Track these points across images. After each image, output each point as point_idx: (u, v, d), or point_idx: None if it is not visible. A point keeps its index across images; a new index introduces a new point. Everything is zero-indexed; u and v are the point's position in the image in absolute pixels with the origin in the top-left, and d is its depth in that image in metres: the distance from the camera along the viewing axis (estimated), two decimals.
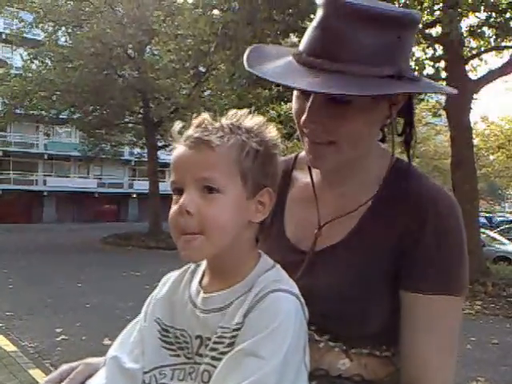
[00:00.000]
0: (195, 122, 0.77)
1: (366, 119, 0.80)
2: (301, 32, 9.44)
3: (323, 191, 0.92)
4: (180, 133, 0.77)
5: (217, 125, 0.76)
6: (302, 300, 0.73)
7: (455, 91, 0.84)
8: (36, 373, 4.31)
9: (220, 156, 0.72)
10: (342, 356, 0.83)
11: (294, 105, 0.86)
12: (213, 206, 0.71)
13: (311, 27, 0.80)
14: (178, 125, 0.78)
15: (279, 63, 0.81)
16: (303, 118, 0.82)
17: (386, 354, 0.85)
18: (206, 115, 0.78)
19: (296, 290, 0.74)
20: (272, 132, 0.79)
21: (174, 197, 0.75)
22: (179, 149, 0.75)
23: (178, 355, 0.78)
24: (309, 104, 0.80)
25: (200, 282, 0.81)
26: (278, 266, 0.79)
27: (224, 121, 0.77)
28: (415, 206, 0.82)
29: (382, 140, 0.93)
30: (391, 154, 0.86)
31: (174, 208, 0.73)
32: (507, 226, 21.01)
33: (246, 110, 0.79)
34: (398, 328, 0.83)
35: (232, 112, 0.79)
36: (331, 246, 0.87)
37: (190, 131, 0.75)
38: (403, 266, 0.81)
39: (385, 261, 0.82)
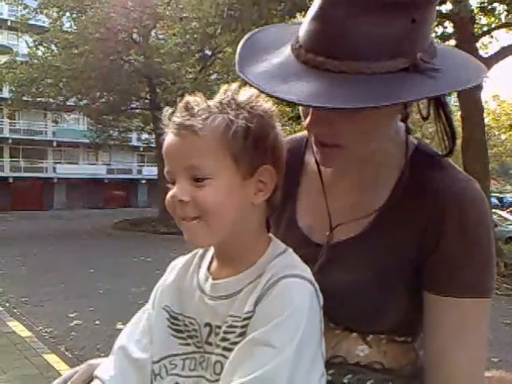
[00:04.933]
0: (181, 105, 0.72)
1: (379, 116, 0.71)
2: (307, 11, 9.28)
3: (339, 179, 0.86)
4: (170, 118, 0.73)
5: (203, 105, 0.71)
6: (317, 285, 0.70)
7: (482, 77, 0.71)
8: (51, 357, 4.37)
9: (205, 140, 0.68)
10: (359, 342, 0.79)
11: None
12: (205, 191, 0.69)
13: (309, 17, 0.69)
14: (167, 110, 0.74)
15: (276, 60, 0.72)
16: (307, 120, 0.74)
17: (406, 339, 0.81)
18: (190, 97, 0.73)
19: (309, 274, 0.71)
20: (265, 103, 0.73)
21: (170, 186, 0.72)
22: (168, 136, 0.72)
23: (188, 344, 0.76)
24: (311, 108, 0.72)
25: (208, 267, 0.79)
26: (290, 250, 0.76)
27: (214, 100, 0.72)
28: (438, 200, 0.75)
29: (408, 132, 0.83)
30: (414, 142, 0.80)
31: (168, 196, 0.71)
32: None
33: (237, 84, 0.73)
34: (415, 322, 0.79)
35: (224, 87, 0.74)
36: (347, 239, 0.81)
37: (176, 116, 0.72)
38: (426, 265, 0.76)
39: (404, 258, 0.77)
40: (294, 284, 0.68)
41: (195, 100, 0.72)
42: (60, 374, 3.97)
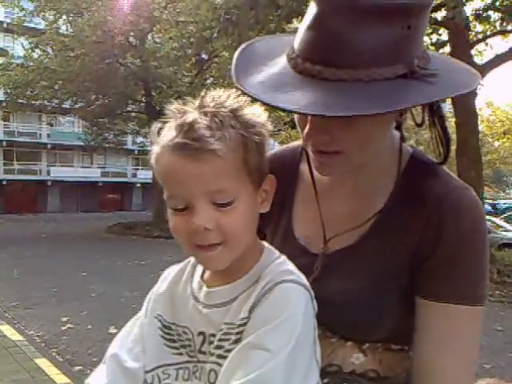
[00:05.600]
0: (181, 124, 0.66)
1: (377, 122, 0.71)
2: (304, 17, 9.31)
3: (333, 187, 0.85)
4: (160, 134, 0.68)
5: (207, 121, 0.66)
6: (312, 292, 0.70)
7: (478, 82, 0.71)
8: (42, 362, 4.33)
9: (227, 162, 0.65)
10: (355, 350, 0.79)
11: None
12: (230, 216, 0.67)
13: (305, 26, 0.69)
14: (156, 126, 0.70)
15: (272, 70, 0.71)
16: (305, 130, 0.73)
17: (402, 347, 0.81)
18: (192, 114, 0.67)
19: (305, 280, 0.70)
20: (259, 111, 0.70)
21: (175, 211, 0.68)
22: (172, 159, 0.65)
23: (181, 353, 0.75)
24: (310, 117, 0.72)
25: (202, 275, 0.78)
26: (284, 256, 0.75)
27: (211, 113, 0.67)
28: (434, 208, 0.75)
29: (402, 140, 0.84)
30: (409, 149, 0.80)
31: (180, 222, 0.67)
32: None
33: (223, 90, 0.70)
34: (412, 330, 0.78)
35: (210, 95, 0.69)
36: (343, 249, 0.81)
37: (180, 138, 0.65)
38: (421, 271, 0.76)
39: (399, 265, 0.77)
40: (291, 289, 0.68)
41: (197, 119, 0.66)
42: (51, 379, 3.91)
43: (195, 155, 0.64)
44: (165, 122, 0.70)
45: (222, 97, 0.69)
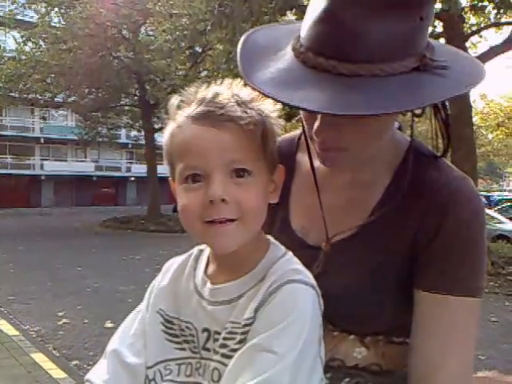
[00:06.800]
0: (202, 96, 0.68)
1: (388, 117, 0.70)
2: (298, 9, 9.27)
3: (332, 176, 0.84)
4: (180, 108, 0.69)
5: (229, 94, 0.68)
6: (319, 291, 0.69)
7: (485, 70, 0.70)
8: (38, 356, 4.32)
9: (249, 134, 0.66)
10: (357, 344, 0.78)
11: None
12: (247, 190, 0.66)
13: (313, 19, 0.66)
14: (176, 99, 0.70)
15: (280, 66, 0.68)
16: (315, 126, 0.71)
17: (404, 340, 0.80)
18: (213, 88, 0.69)
19: (312, 279, 0.69)
20: (272, 107, 0.71)
21: (189, 184, 0.67)
22: (193, 129, 0.66)
23: (184, 349, 0.74)
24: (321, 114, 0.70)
25: (205, 270, 0.76)
26: (290, 252, 0.74)
27: (227, 93, 0.69)
28: (433, 198, 0.74)
29: (399, 128, 0.84)
30: (409, 139, 0.79)
31: (193, 197, 0.66)
32: (506, 205, 21.02)
33: (229, 81, 0.71)
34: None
35: (225, 83, 0.70)
36: (340, 240, 0.80)
37: (203, 107, 0.67)
38: (419, 262, 0.75)
39: (398, 257, 0.76)
40: (298, 290, 0.66)
41: (218, 89, 0.69)
42: (48, 373, 3.91)
43: (218, 122, 0.65)
44: (182, 101, 0.70)
45: (238, 86, 0.70)
